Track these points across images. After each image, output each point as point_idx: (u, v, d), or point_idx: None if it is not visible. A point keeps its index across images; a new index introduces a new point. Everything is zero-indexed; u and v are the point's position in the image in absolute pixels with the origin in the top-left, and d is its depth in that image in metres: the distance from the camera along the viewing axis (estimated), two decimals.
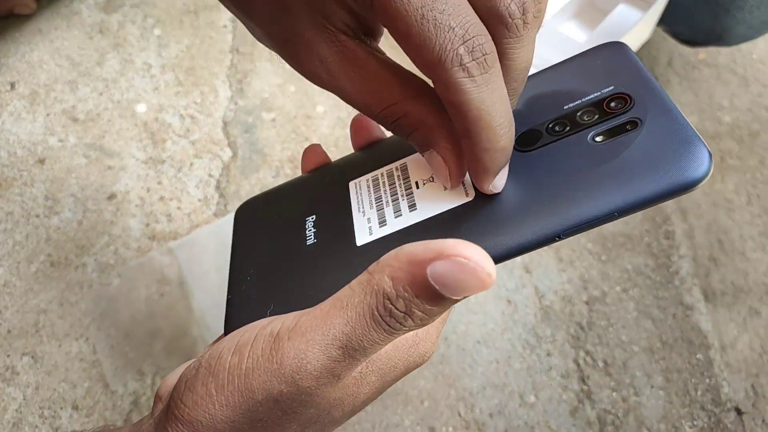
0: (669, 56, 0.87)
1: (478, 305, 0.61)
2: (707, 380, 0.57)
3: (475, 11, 0.19)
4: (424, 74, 0.20)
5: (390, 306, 0.19)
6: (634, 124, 0.23)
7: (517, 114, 0.25)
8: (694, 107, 0.84)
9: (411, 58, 0.20)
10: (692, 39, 0.71)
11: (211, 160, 0.68)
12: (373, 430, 0.55)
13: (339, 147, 0.67)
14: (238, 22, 0.74)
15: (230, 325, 0.27)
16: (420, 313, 0.19)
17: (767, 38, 0.89)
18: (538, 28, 0.21)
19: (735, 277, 0.69)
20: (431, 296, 0.18)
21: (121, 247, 0.63)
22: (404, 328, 0.20)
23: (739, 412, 0.56)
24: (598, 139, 0.23)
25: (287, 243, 0.28)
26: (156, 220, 0.64)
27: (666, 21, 0.70)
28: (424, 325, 0.20)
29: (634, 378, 0.57)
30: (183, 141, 0.69)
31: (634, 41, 0.75)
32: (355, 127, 0.30)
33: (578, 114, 0.24)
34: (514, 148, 0.24)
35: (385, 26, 0.20)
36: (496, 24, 0.20)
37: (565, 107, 0.25)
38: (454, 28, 0.19)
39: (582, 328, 0.59)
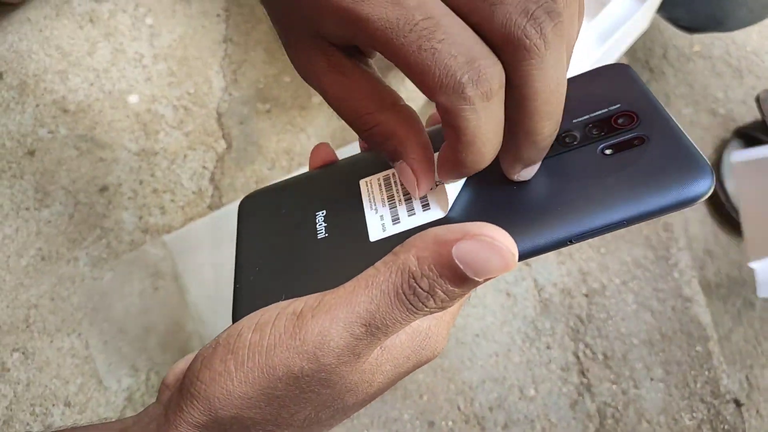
0: (664, 48, 0.87)
1: (477, 298, 0.60)
2: (706, 372, 0.57)
3: (486, 36, 0.19)
4: (428, 97, 0.20)
5: (414, 285, 0.20)
6: (640, 140, 0.24)
7: None
8: (689, 99, 0.84)
9: (414, 84, 0.20)
10: (691, 25, 0.70)
11: (205, 151, 0.67)
12: (372, 424, 0.55)
13: (335, 138, 0.67)
14: (231, 11, 0.73)
15: (239, 314, 0.27)
16: (442, 293, 0.20)
17: (762, 30, 0.89)
18: (568, 43, 0.20)
19: (729, 269, 0.69)
20: (455, 276, 0.19)
21: (113, 241, 0.62)
22: (426, 309, 0.20)
23: (738, 403, 0.56)
24: (607, 151, 0.24)
25: (297, 236, 0.29)
26: (149, 213, 0.63)
27: (665, 7, 0.69)
28: (444, 308, 0.20)
29: (633, 370, 0.56)
30: (176, 132, 0.68)
31: (632, 31, 0.74)
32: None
33: (588, 127, 0.26)
34: None
35: (386, 58, 0.20)
36: (513, 49, 0.19)
37: (574, 120, 0.26)
38: (455, 56, 0.19)
39: (581, 321, 0.59)
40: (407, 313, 0.20)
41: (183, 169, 0.66)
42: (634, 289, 0.61)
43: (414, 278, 0.19)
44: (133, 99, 0.70)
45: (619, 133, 0.25)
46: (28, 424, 0.54)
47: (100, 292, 0.59)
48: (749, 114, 0.82)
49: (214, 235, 0.61)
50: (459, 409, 0.55)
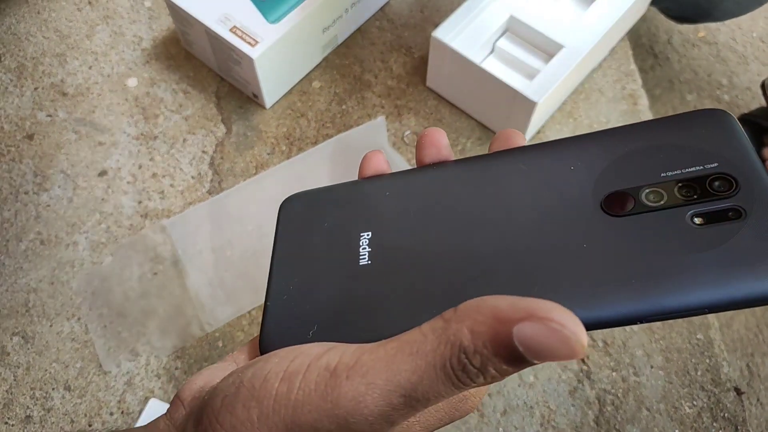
0: (669, 34, 0.86)
1: None
2: (707, 360, 0.56)
3: None
4: None
5: (465, 361, 0.18)
6: (737, 213, 0.21)
7: (608, 170, 0.24)
8: (693, 85, 0.83)
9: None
10: (681, 15, 0.69)
11: (204, 136, 0.66)
12: None
13: (335, 123, 0.66)
14: None
15: (268, 339, 0.25)
16: (494, 371, 0.18)
17: None
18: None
19: None
20: (511, 357, 0.17)
21: (112, 225, 0.61)
22: (473, 384, 0.18)
23: (738, 392, 0.55)
24: (696, 220, 0.21)
25: (337, 258, 0.26)
26: (148, 198, 0.63)
27: None
28: (492, 382, 0.19)
29: (633, 358, 0.56)
30: (176, 116, 0.67)
31: (630, 16, 0.73)
32: (424, 141, 0.28)
33: (677, 187, 0.22)
34: (602, 209, 0.23)
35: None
36: None
37: (662, 175, 0.23)
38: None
39: None
40: (452, 387, 0.18)
41: (182, 153, 0.65)
42: None
43: (466, 354, 0.18)
44: (132, 82, 0.70)
45: (713, 200, 0.21)
46: (28, 407, 0.54)
47: (99, 276, 0.59)
48: (754, 101, 0.81)
49: (213, 220, 0.61)
50: None
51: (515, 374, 0.54)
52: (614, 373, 0.56)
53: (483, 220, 0.25)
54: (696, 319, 0.58)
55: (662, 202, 0.22)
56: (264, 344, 0.25)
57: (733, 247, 0.20)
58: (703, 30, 0.88)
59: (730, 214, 0.21)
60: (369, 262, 0.25)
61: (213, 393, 0.22)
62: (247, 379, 0.21)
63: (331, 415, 0.19)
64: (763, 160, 0.75)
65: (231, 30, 0.61)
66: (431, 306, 0.20)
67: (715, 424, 0.54)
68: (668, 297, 0.20)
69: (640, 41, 0.86)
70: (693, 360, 0.56)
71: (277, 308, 0.26)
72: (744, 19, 0.88)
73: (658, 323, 0.58)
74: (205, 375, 0.25)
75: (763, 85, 0.75)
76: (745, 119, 0.78)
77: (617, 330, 0.57)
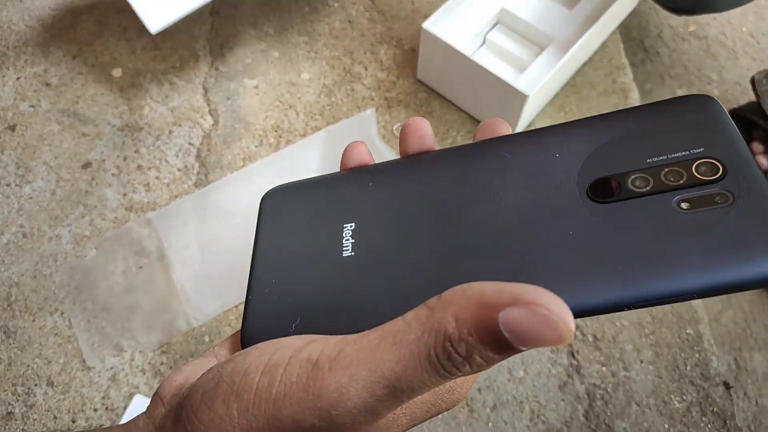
0: (659, 28, 0.86)
1: None
2: (696, 355, 0.56)
3: None
4: None
5: (450, 349, 0.17)
6: (724, 197, 0.20)
7: (594, 157, 0.23)
8: (683, 80, 0.83)
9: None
10: (678, 6, 0.69)
11: (191, 128, 0.65)
12: None
13: (324, 116, 0.65)
14: None
15: (250, 332, 0.25)
16: (480, 359, 0.17)
17: (758, 11, 0.88)
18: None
19: None
20: (497, 343, 0.17)
21: (96, 218, 0.60)
22: (459, 374, 0.18)
23: (727, 386, 0.55)
24: (683, 205, 0.21)
25: (320, 250, 0.26)
26: (133, 190, 0.62)
27: None
28: (479, 372, 0.18)
29: (623, 352, 0.56)
30: (161, 108, 0.66)
31: (621, 10, 0.73)
32: (408, 130, 0.28)
33: (663, 172, 0.22)
34: (588, 196, 0.22)
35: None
36: None
37: (648, 160, 0.22)
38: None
39: None
40: (438, 377, 0.18)
41: (168, 145, 0.64)
42: None
43: (450, 342, 0.17)
44: (116, 73, 0.68)
45: (700, 186, 0.21)
46: (10, 404, 0.53)
47: (83, 270, 0.58)
48: (744, 96, 0.81)
49: (200, 214, 0.60)
50: None
51: (505, 370, 0.54)
52: (604, 368, 0.55)
53: (468, 209, 0.24)
54: (686, 314, 0.58)
55: (648, 188, 0.22)
56: (246, 338, 0.25)
57: (721, 232, 0.20)
58: (693, 24, 0.88)
59: (717, 198, 0.21)
60: (353, 253, 0.25)
61: (192, 389, 0.21)
62: (227, 374, 0.20)
63: (314, 407, 0.18)
64: (753, 155, 0.75)
65: None
66: (416, 296, 0.19)
67: (704, 418, 0.54)
68: (656, 282, 0.19)
69: (630, 35, 0.85)
70: (682, 355, 0.56)
71: (259, 301, 0.26)
72: (734, 14, 0.88)
73: (649, 319, 0.57)
74: (185, 371, 0.24)
75: (752, 80, 0.75)
76: (734, 114, 0.78)
77: (607, 325, 0.57)
